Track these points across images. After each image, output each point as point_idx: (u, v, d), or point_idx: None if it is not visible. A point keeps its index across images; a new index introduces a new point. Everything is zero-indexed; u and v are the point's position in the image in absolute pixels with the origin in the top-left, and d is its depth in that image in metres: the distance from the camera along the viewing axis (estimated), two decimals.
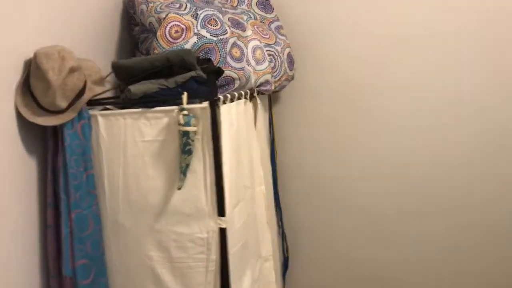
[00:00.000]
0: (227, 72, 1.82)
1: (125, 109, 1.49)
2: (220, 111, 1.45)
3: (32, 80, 1.41)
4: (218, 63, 1.80)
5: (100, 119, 1.49)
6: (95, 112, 1.50)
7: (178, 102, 1.42)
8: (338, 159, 2.31)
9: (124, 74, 1.50)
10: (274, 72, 2.05)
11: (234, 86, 1.85)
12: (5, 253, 1.36)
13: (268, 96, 2.29)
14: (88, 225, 1.46)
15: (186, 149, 1.39)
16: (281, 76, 2.09)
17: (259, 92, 2.00)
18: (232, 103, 1.59)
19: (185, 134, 1.38)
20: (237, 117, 1.62)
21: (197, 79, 1.50)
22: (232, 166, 1.52)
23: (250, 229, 1.73)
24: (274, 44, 2.05)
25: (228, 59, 1.82)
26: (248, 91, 1.85)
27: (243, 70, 1.86)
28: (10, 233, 1.37)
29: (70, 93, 1.42)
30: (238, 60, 1.86)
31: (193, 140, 1.40)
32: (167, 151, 1.45)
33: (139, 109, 1.46)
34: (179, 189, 1.41)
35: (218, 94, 1.74)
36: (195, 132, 1.40)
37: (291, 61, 2.16)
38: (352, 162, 2.30)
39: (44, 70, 1.37)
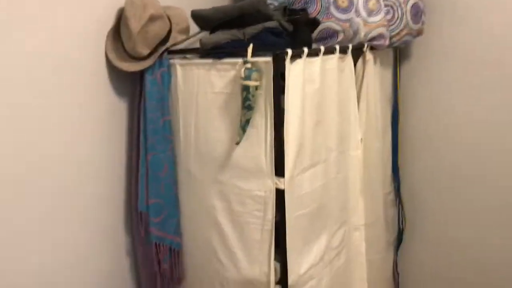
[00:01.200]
0: (327, 24, 1.68)
1: (201, 59, 1.50)
2: (289, 66, 1.34)
3: (121, 27, 1.51)
4: (318, 13, 1.67)
5: (178, 68, 1.53)
6: (175, 60, 1.54)
7: (243, 55, 1.37)
8: (473, 129, 1.98)
9: (202, 24, 1.50)
10: (392, 25, 1.81)
11: (337, 38, 1.71)
12: (99, 188, 1.55)
13: (394, 52, 2.05)
14: (163, 168, 1.55)
15: (246, 104, 1.35)
16: (401, 30, 1.84)
17: (372, 47, 1.80)
18: (315, 58, 1.47)
19: (246, 88, 1.33)
20: (321, 74, 1.50)
21: (273, 30, 1.42)
22: (305, 126, 1.42)
23: (332, 193, 1.62)
24: None
25: (332, 9, 1.67)
26: (351, 46, 1.68)
27: (349, 21, 1.69)
28: (102, 170, 1.56)
29: (151, 40, 1.49)
30: (345, 10, 1.69)
31: (253, 96, 1.34)
32: (232, 105, 1.43)
33: (210, 60, 1.45)
34: (237, 144, 1.39)
35: (316, 46, 1.64)
36: (256, 87, 1.34)
37: (417, 13, 1.88)
38: (490, 135, 1.94)
39: (127, 17, 1.45)
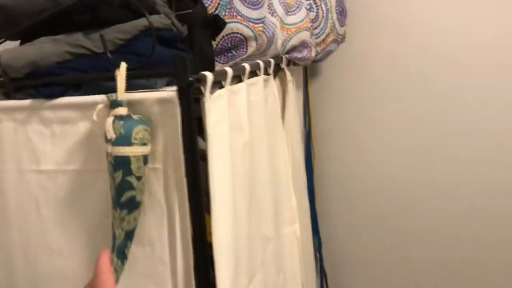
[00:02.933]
0: (232, 26, 0.99)
1: (4, 100, 0.69)
2: (207, 107, 0.64)
3: None
4: (216, 8, 0.98)
5: None
6: None
7: (106, 87, 0.62)
8: (406, 162, 1.47)
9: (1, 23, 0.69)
10: (315, 27, 1.21)
11: (246, 50, 1.01)
12: None
13: (304, 69, 1.46)
14: None
15: (123, 200, 0.59)
16: (327, 35, 1.25)
17: (290, 62, 1.18)
18: (239, 84, 0.78)
19: (120, 164, 0.59)
20: (249, 112, 0.81)
21: (162, 34, 0.69)
22: (237, 217, 0.72)
23: None
24: None
25: (236, 2, 0.99)
26: (272, 60, 1.04)
27: (262, 22, 1.03)
28: None
29: None
30: (254, 5, 1.03)
31: (139, 178, 0.59)
32: (89, 198, 0.66)
33: (28, 101, 0.66)
34: (116, 281, 0.62)
35: (219, 64, 0.96)
36: (144, 158, 0.60)
37: (342, 10, 1.32)
38: (424, 167, 1.46)
39: None
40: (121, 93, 0.60)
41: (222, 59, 1.00)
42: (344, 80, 1.49)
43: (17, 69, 0.64)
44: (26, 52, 0.64)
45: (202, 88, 0.63)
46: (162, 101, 0.61)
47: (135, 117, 0.60)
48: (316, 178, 1.53)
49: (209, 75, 0.63)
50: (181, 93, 0.60)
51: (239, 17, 1.00)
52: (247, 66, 0.83)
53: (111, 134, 0.58)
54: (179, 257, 0.64)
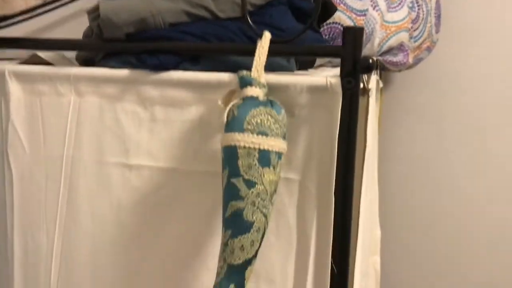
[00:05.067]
0: (334, 15, 0.83)
1: (86, 65, 0.53)
2: (371, 103, 0.48)
3: None
4: None
5: (12, 86, 0.53)
6: (5, 66, 0.54)
7: (233, 64, 0.46)
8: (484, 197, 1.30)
9: None
10: (415, 29, 1.05)
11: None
12: None
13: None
14: None
15: (228, 214, 0.43)
16: (424, 40, 1.09)
17: (383, 67, 1.02)
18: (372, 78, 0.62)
19: (228, 158, 0.43)
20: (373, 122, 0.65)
21: (300, 4, 0.53)
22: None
23: None
24: None
25: None
26: (376, 59, 0.88)
27: (364, 15, 0.88)
28: None
29: None
30: None
31: (252, 184, 0.41)
32: (190, 213, 0.50)
33: (125, 71, 0.50)
34: None
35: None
36: (262, 155, 0.42)
37: (439, 15, 1.16)
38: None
39: None
40: (259, 71, 0.44)
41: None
42: (421, 95, 1.32)
43: (119, 26, 0.47)
44: (132, 5, 0.47)
45: (364, 78, 0.47)
46: (315, 89, 0.45)
47: (263, 98, 0.43)
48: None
49: (373, 62, 0.47)
50: (347, 81, 0.43)
51: (342, 5, 0.85)
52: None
53: (224, 118, 0.42)
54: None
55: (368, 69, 0.43)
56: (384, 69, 1.03)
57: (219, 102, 0.44)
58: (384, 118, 1.32)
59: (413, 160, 1.25)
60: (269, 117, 0.42)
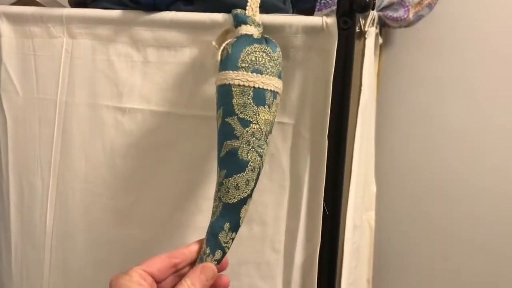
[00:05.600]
0: None
1: (79, 6, 0.52)
2: (367, 45, 0.48)
3: None
4: None
5: (3, 28, 0.52)
6: None
7: (228, 4, 0.45)
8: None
9: None
10: None
11: None
12: None
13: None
14: None
15: (222, 154, 0.42)
16: None
17: (382, 23, 1.00)
18: (371, 28, 0.61)
19: (222, 96, 0.42)
20: (369, 69, 0.64)
21: None
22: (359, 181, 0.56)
23: None
24: None
25: None
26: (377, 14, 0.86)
27: None
28: None
29: None
30: None
31: (247, 123, 0.41)
32: (184, 156, 0.50)
33: (117, 12, 0.49)
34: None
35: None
36: (257, 94, 0.41)
37: None
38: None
39: None
40: (254, 9, 0.43)
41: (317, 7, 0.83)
42: (420, 56, 1.30)
43: None
44: None
45: (360, 19, 0.46)
46: (311, 30, 0.44)
47: (257, 35, 0.42)
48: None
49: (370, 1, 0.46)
50: (344, 21, 0.42)
51: None
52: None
53: (218, 57, 0.42)
54: (299, 246, 0.48)
55: (365, 9, 0.42)
56: (384, 26, 1.01)
57: (213, 43, 0.44)
58: (382, 76, 1.31)
59: (412, 119, 1.25)
60: (264, 54, 0.41)
